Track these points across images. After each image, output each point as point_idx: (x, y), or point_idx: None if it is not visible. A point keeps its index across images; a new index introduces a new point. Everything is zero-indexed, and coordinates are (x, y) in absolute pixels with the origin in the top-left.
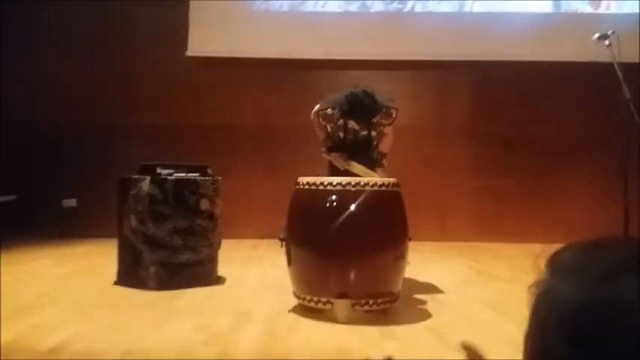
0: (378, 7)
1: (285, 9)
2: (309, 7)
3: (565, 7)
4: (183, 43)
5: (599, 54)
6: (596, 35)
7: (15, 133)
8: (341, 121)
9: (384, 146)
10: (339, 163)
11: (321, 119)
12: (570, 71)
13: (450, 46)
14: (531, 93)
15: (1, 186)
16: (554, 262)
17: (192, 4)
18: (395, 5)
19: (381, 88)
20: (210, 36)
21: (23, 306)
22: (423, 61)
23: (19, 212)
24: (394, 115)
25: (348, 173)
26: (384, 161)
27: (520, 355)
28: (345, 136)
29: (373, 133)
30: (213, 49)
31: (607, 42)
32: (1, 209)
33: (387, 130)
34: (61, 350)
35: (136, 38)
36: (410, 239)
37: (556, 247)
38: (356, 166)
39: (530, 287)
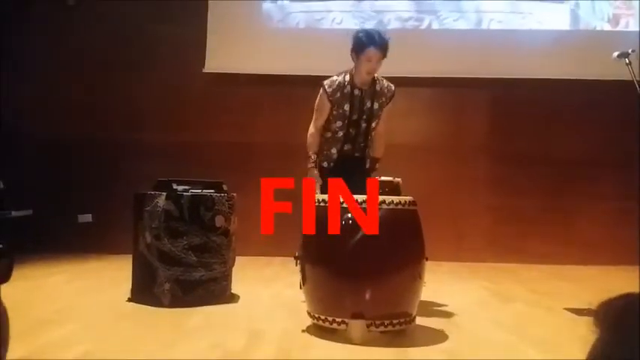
0: (394, 24)
1: (301, 26)
2: (325, 24)
3: (583, 24)
4: (201, 59)
5: (618, 72)
6: (616, 53)
7: (31, 148)
8: (347, 89)
9: (378, 151)
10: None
11: (328, 96)
12: (590, 89)
13: (467, 63)
14: (550, 111)
15: (17, 200)
16: (606, 314)
17: (209, 21)
18: (412, 22)
19: (398, 105)
20: (227, 53)
21: (37, 322)
22: (440, 78)
23: (35, 227)
24: (393, 90)
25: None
26: (376, 166)
27: None
28: (349, 117)
29: (373, 125)
30: (230, 66)
31: (627, 60)
32: (18, 224)
33: (380, 129)
34: None
35: (153, 55)
36: (427, 259)
37: (574, 269)
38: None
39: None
